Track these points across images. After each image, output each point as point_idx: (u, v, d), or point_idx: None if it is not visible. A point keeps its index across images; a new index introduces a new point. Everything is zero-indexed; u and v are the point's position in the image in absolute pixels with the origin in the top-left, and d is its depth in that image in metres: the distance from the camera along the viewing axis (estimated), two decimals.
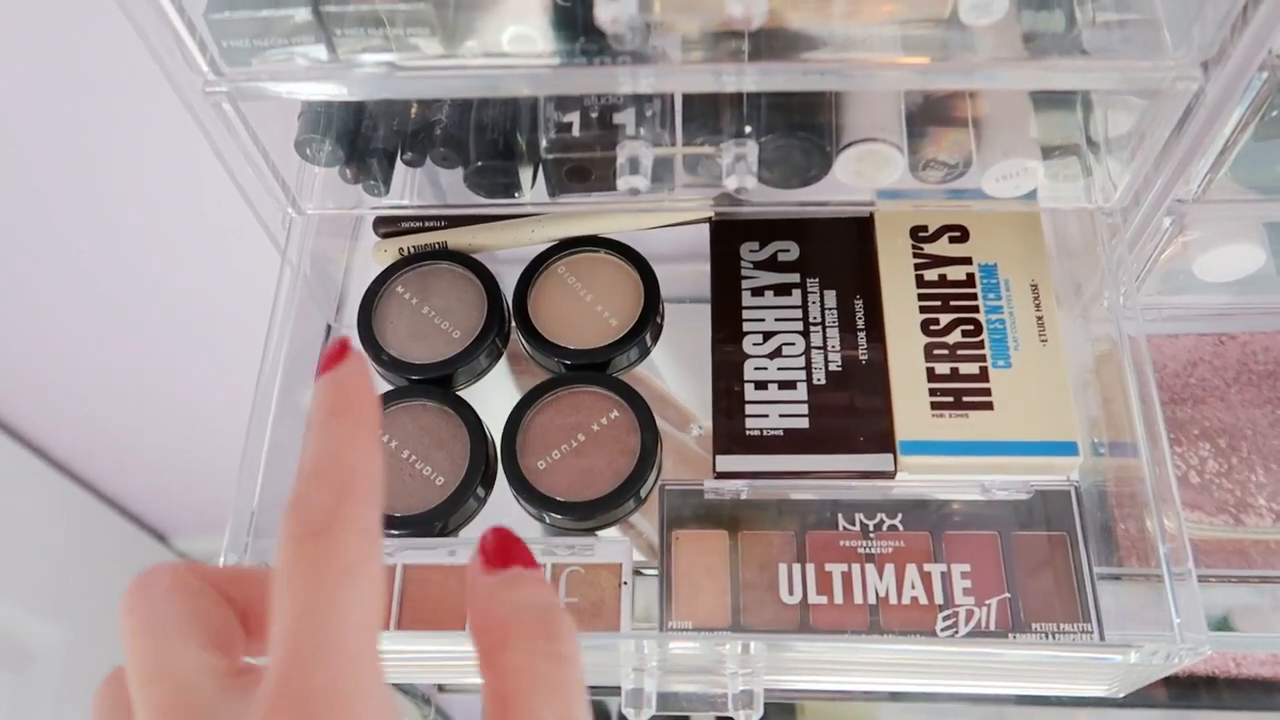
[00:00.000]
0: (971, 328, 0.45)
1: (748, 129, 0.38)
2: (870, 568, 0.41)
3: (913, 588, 0.41)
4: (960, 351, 0.44)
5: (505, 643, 0.22)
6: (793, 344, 0.45)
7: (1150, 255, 0.44)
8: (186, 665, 0.22)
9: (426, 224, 0.49)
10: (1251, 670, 0.66)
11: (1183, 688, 0.67)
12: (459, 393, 0.46)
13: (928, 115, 0.40)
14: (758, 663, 0.38)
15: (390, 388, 0.46)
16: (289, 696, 0.19)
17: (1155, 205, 0.40)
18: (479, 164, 0.41)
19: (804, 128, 0.39)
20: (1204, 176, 0.39)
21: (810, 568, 0.41)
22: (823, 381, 0.44)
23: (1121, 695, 0.40)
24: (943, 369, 0.44)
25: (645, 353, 0.47)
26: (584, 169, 0.40)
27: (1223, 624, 0.45)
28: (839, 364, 0.45)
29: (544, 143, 0.40)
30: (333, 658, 0.19)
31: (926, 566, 0.41)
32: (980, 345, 0.45)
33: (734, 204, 0.42)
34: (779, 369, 0.45)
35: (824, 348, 0.45)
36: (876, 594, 0.41)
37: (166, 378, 1.00)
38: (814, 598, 0.41)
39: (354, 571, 0.20)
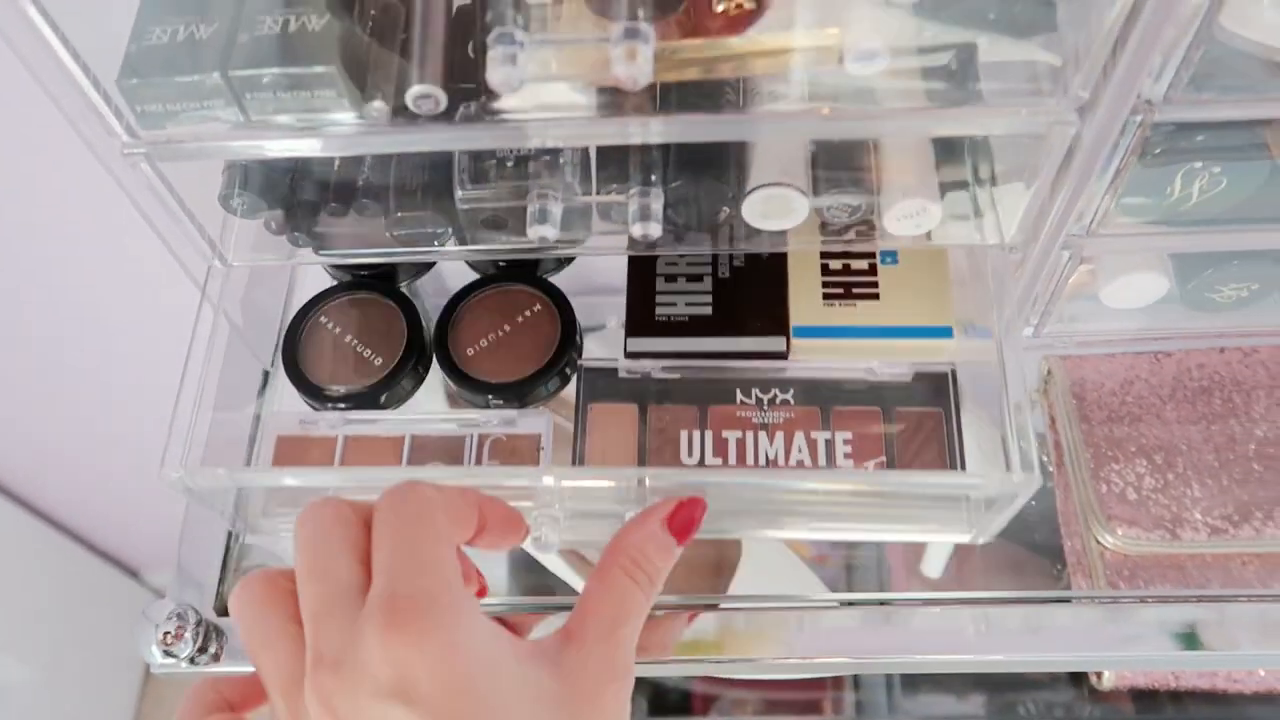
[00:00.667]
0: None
1: (653, 177, 0.40)
2: (763, 435, 0.45)
3: (799, 451, 0.45)
4: (853, 248, 0.48)
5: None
6: None
7: (1054, 286, 0.45)
8: (341, 573, 0.30)
9: None
10: (1189, 683, 0.67)
11: (1142, 702, 0.68)
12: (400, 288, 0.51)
13: (831, 158, 0.41)
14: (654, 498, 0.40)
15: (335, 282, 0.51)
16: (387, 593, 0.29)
17: (1051, 240, 0.41)
18: (399, 215, 0.42)
19: (710, 173, 0.40)
20: (1094, 212, 0.40)
21: (709, 434, 0.45)
22: (726, 275, 0.49)
23: (981, 542, 0.44)
24: (835, 265, 0.48)
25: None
26: (499, 219, 0.41)
27: (1191, 639, 0.46)
28: (742, 261, 0.49)
29: (459, 193, 0.41)
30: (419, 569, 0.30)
31: (813, 434, 0.45)
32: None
33: (649, 247, 0.43)
34: (688, 264, 0.49)
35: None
36: (767, 457, 0.45)
37: (135, 415, 1.00)
38: (710, 459, 0.45)
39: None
